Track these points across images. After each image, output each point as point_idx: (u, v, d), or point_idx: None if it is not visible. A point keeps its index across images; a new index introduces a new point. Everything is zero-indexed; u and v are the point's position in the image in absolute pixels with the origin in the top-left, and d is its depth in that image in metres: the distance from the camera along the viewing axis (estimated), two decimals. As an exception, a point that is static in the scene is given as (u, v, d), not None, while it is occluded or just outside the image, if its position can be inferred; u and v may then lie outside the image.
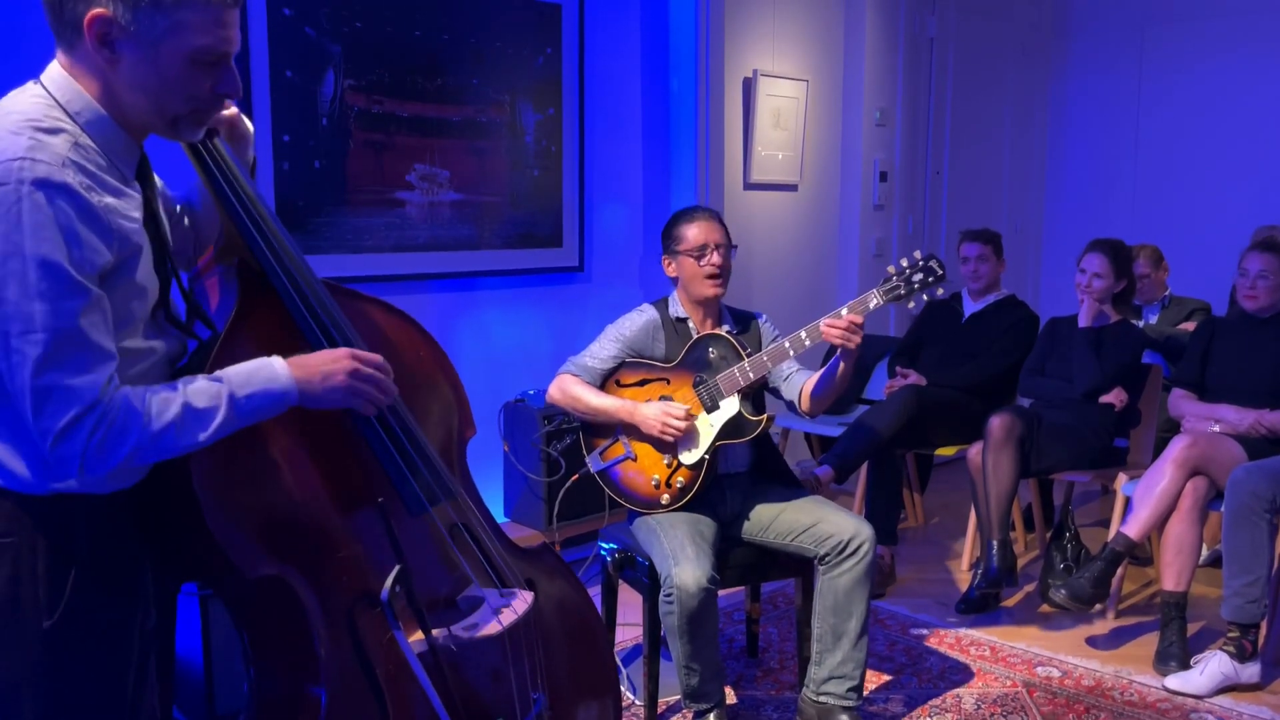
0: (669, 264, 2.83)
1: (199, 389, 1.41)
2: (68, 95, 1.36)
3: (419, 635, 1.67)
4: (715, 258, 2.76)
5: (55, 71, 1.38)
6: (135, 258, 1.39)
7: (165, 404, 1.38)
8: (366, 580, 1.65)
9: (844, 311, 2.58)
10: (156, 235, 1.45)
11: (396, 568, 1.64)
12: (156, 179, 1.56)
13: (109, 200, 1.34)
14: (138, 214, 1.40)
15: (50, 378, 1.28)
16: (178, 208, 1.70)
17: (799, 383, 2.80)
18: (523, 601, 1.81)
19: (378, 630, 1.63)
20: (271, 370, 1.48)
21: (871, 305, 2.59)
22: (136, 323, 1.41)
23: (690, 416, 2.68)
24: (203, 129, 1.51)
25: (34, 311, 1.26)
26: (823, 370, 2.76)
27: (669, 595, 2.50)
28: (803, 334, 2.60)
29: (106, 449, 1.33)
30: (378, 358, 1.60)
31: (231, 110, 1.68)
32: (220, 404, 1.42)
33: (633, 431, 2.75)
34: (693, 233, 2.77)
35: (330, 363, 1.54)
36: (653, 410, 2.68)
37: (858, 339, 2.56)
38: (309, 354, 1.55)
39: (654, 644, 2.76)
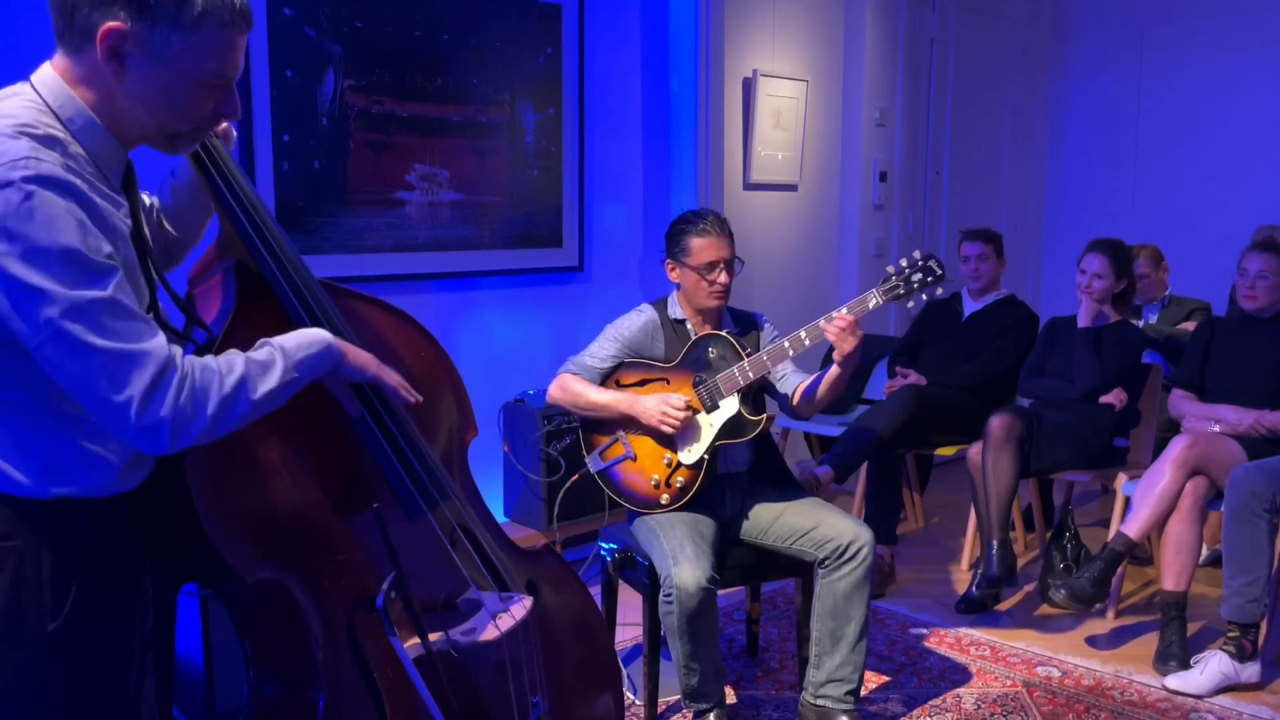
0: (672, 269, 2.80)
1: (251, 352, 1.45)
2: (61, 100, 1.35)
3: (415, 640, 1.67)
4: (723, 277, 2.73)
5: (48, 74, 1.37)
6: (130, 264, 1.39)
7: (229, 362, 1.40)
8: (365, 584, 1.65)
9: (842, 310, 2.58)
10: (141, 243, 1.44)
11: (392, 574, 1.64)
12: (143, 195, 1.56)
13: (104, 205, 1.33)
14: (128, 222, 1.40)
15: (112, 347, 1.28)
16: (152, 204, 1.70)
17: (794, 382, 2.80)
18: (521, 606, 1.80)
19: (375, 635, 1.63)
20: (310, 330, 1.54)
21: (871, 305, 2.60)
22: None
23: (689, 407, 2.68)
24: (197, 145, 1.52)
25: (70, 295, 1.25)
26: (818, 373, 2.75)
27: (669, 595, 2.50)
28: (802, 334, 2.60)
29: (194, 408, 1.33)
30: (394, 374, 1.67)
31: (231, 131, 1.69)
32: (275, 357, 1.45)
33: (633, 427, 2.75)
34: (702, 246, 2.72)
35: (358, 348, 1.62)
36: (652, 402, 2.69)
37: (853, 341, 2.55)
38: None
39: (654, 644, 2.76)
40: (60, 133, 1.33)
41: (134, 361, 1.29)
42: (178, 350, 1.35)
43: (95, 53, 1.33)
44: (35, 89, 1.36)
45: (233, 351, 1.43)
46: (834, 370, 2.67)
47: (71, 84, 1.36)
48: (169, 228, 1.74)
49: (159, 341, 1.32)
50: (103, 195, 1.34)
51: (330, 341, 1.54)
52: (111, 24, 1.31)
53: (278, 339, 1.49)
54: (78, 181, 1.29)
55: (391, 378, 1.65)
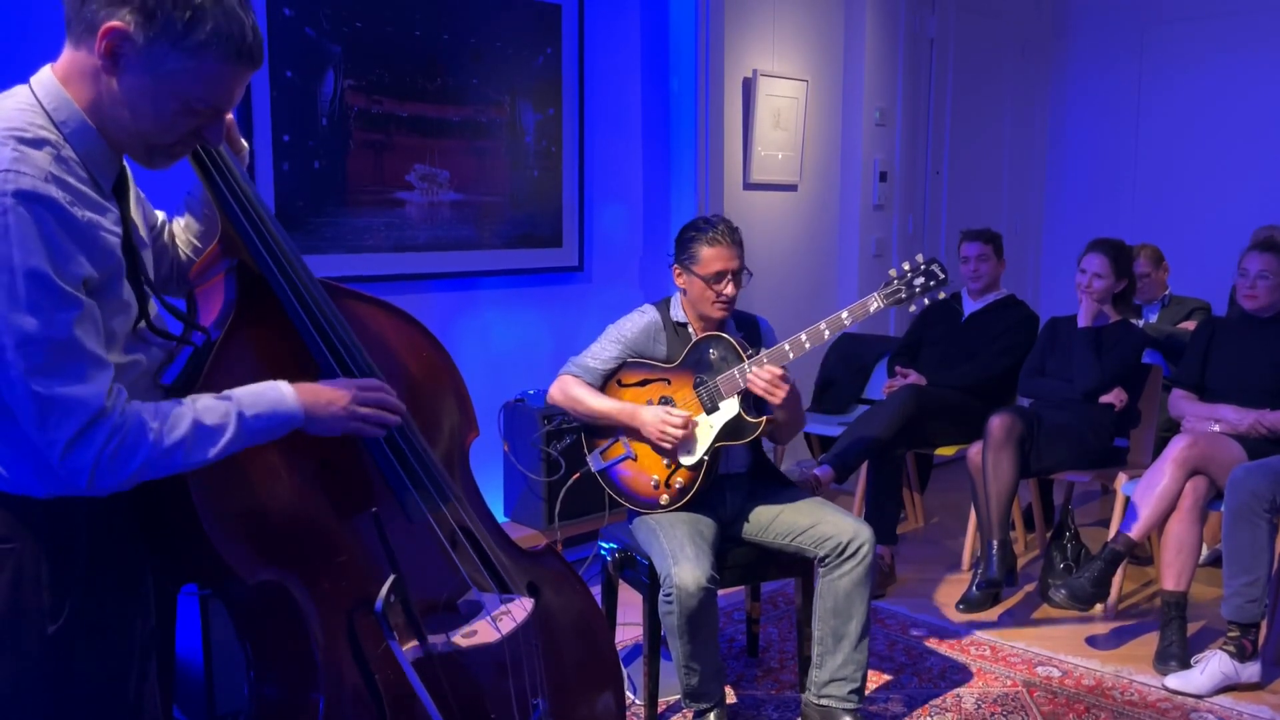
0: (679, 275, 2.77)
1: (208, 406, 1.42)
2: (56, 103, 1.34)
3: (414, 643, 1.67)
4: (729, 288, 2.70)
5: (46, 77, 1.37)
6: (118, 273, 1.38)
7: (177, 420, 1.38)
8: (365, 586, 1.65)
9: (844, 316, 2.58)
10: (131, 251, 1.43)
11: (391, 577, 1.63)
12: (137, 191, 1.55)
13: (90, 215, 1.33)
14: (117, 229, 1.39)
15: (50, 388, 1.28)
16: (160, 219, 1.69)
17: None
18: (522, 608, 1.80)
19: (376, 637, 1.63)
20: (279, 392, 1.50)
21: (872, 309, 2.60)
22: (118, 338, 1.40)
23: (690, 423, 2.67)
24: (175, 162, 1.49)
25: (26, 323, 1.25)
26: None
27: (669, 595, 2.50)
28: (802, 336, 2.60)
29: (118, 462, 1.33)
30: (374, 382, 1.62)
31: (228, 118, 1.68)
32: (229, 422, 1.42)
33: (633, 433, 2.75)
34: (711, 256, 2.68)
35: (333, 390, 1.57)
36: (652, 416, 2.68)
37: (781, 394, 2.55)
38: (314, 383, 1.57)
39: (654, 644, 2.76)
40: (52, 135, 1.32)
41: (66, 408, 1.28)
42: (119, 397, 1.33)
43: (94, 48, 1.32)
44: (32, 91, 1.36)
45: (186, 408, 1.40)
46: (779, 415, 2.68)
47: (67, 82, 1.35)
48: (184, 250, 1.72)
49: (98, 388, 1.31)
50: (89, 203, 1.33)
51: (294, 412, 1.49)
52: (116, 23, 1.31)
53: (241, 396, 1.45)
54: (59, 195, 1.28)
55: (366, 418, 1.58)
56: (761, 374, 2.55)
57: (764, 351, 2.69)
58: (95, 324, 1.33)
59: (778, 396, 2.56)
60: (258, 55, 1.40)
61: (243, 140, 1.72)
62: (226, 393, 1.46)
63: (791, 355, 2.63)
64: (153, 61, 1.33)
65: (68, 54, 1.37)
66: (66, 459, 1.30)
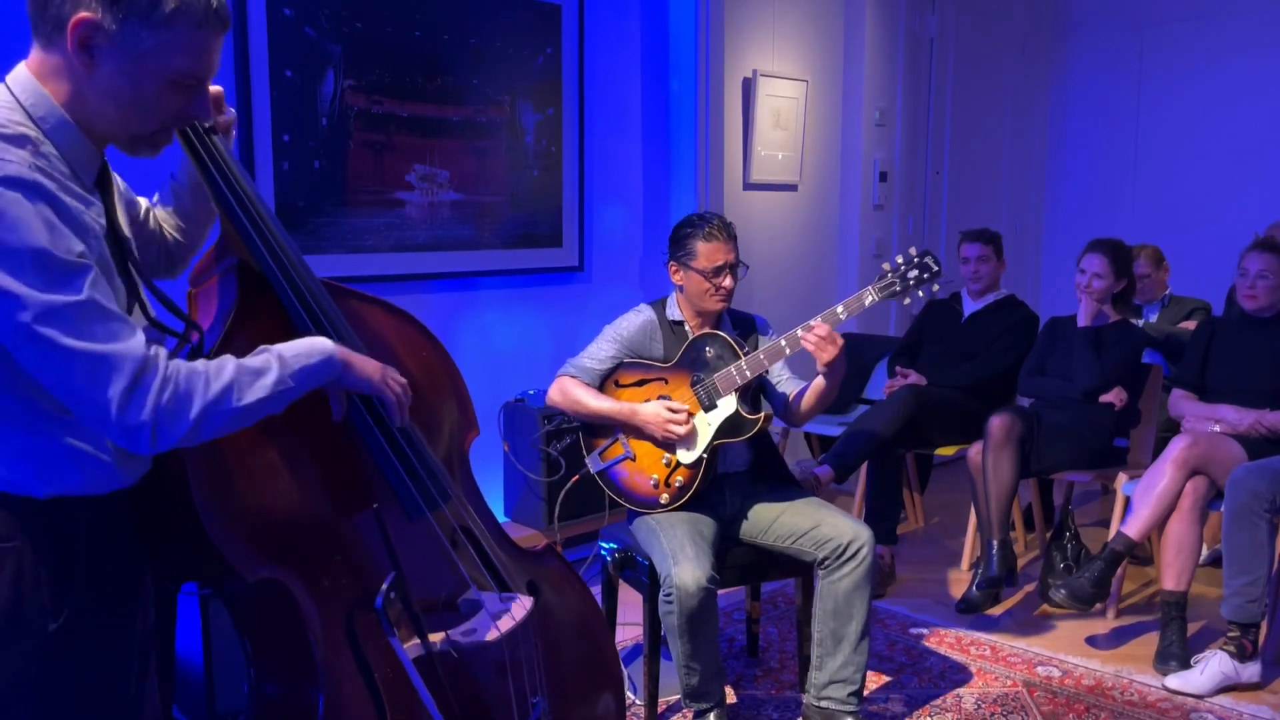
0: (675, 271, 2.78)
1: (246, 357, 1.43)
2: (33, 99, 1.34)
3: (415, 641, 1.67)
4: (727, 281, 2.72)
5: (22, 74, 1.37)
6: (106, 263, 1.38)
7: (220, 367, 1.39)
8: (364, 584, 1.65)
9: (839, 310, 2.58)
10: (116, 243, 1.43)
11: (391, 574, 1.63)
12: (118, 181, 1.55)
13: (74, 204, 1.32)
14: (101, 221, 1.39)
15: (88, 349, 1.27)
16: (144, 206, 1.69)
17: (792, 386, 2.81)
18: (521, 607, 1.80)
19: (375, 635, 1.63)
20: (314, 340, 1.52)
21: (867, 302, 2.60)
22: None
23: (690, 415, 2.68)
24: (159, 151, 1.49)
25: (44, 298, 1.25)
26: (808, 384, 2.76)
27: (669, 595, 2.50)
28: (799, 332, 2.60)
29: (176, 409, 1.32)
30: (401, 379, 1.65)
31: (231, 117, 1.68)
32: (270, 365, 1.43)
33: (633, 431, 2.75)
34: (708, 250, 2.71)
35: (363, 356, 1.60)
36: (653, 411, 2.69)
37: (833, 350, 2.55)
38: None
39: (654, 644, 2.76)
40: (31, 131, 1.32)
41: (111, 363, 1.28)
42: (160, 351, 1.34)
43: (66, 44, 1.32)
44: (8, 88, 1.36)
45: (226, 356, 1.41)
46: (819, 381, 2.67)
47: (43, 79, 1.35)
48: (170, 232, 1.73)
49: (136, 342, 1.31)
50: (73, 195, 1.33)
51: (332, 353, 1.52)
52: (83, 14, 1.30)
53: (277, 346, 1.47)
54: (46, 181, 1.28)
55: (393, 390, 1.62)
56: (816, 330, 2.56)
57: (761, 349, 2.69)
58: (106, 289, 1.32)
59: (829, 354, 2.56)
60: (225, 16, 1.40)
61: (230, 109, 1.72)
62: (261, 347, 1.47)
63: (789, 351, 2.63)
64: (127, 44, 1.33)
65: (39, 55, 1.36)
66: (125, 413, 1.29)
